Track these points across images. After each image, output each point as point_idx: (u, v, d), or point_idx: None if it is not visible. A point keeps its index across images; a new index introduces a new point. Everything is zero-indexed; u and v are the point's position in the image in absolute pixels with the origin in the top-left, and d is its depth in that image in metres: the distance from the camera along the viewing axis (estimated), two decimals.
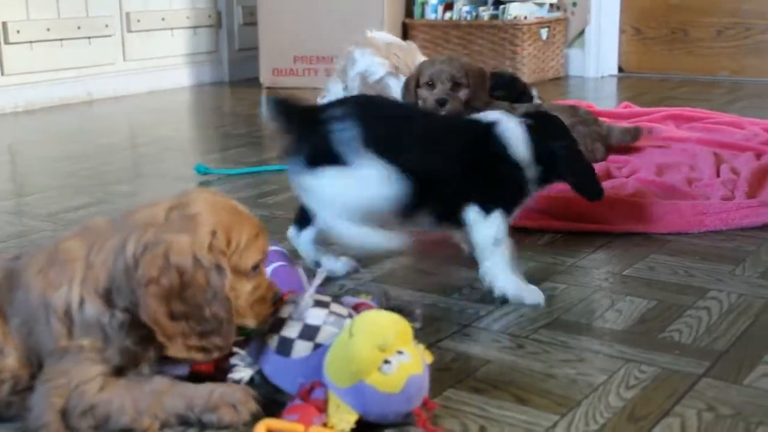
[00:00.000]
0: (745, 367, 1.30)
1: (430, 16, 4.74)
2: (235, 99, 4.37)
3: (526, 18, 4.58)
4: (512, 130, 1.63)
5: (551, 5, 4.82)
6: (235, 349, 1.20)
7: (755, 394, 1.21)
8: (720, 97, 4.08)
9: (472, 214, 1.58)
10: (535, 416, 1.16)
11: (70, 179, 2.60)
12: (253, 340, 1.21)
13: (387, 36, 3.20)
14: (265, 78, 4.62)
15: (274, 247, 1.64)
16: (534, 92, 2.86)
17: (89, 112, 4.00)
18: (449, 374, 1.28)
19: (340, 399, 1.11)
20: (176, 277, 1.11)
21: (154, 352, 1.17)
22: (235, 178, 2.56)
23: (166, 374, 1.17)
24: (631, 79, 4.75)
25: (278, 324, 1.19)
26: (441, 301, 1.57)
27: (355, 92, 2.94)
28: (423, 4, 4.78)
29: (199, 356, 1.14)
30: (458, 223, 1.60)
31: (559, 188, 2.14)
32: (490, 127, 1.63)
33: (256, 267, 1.19)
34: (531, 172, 1.62)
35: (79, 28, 4.16)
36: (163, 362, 1.18)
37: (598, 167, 2.09)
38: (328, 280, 1.59)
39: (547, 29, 4.71)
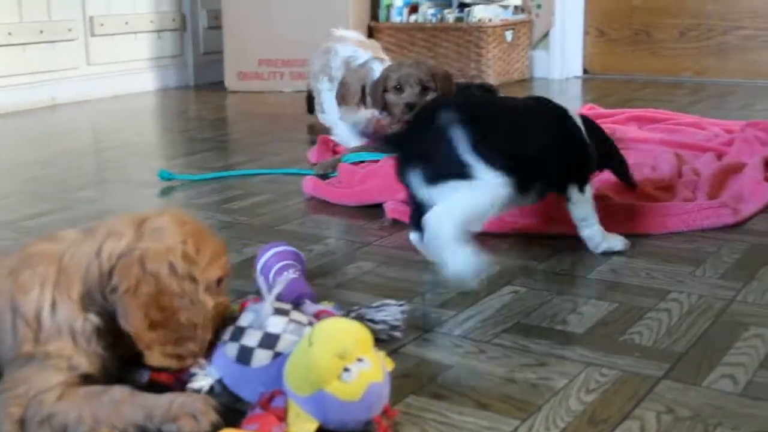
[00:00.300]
0: (705, 369, 1.31)
1: (396, 18, 4.75)
2: (201, 103, 4.35)
3: (490, 20, 4.60)
4: (577, 118, 1.84)
5: (516, 7, 4.84)
6: (195, 360, 1.19)
7: (714, 396, 1.22)
8: (683, 98, 4.12)
9: (573, 192, 1.79)
10: (495, 422, 1.16)
11: (31, 185, 2.58)
12: (214, 348, 1.20)
13: (356, 33, 3.19)
14: (231, 82, 4.60)
15: (285, 247, 1.63)
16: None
17: (53, 117, 3.97)
18: (410, 381, 1.28)
19: (300, 407, 1.10)
20: (152, 285, 1.11)
21: (119, 360, 1.17)
22: (199, 183, 2.55)
23: (126, 383, 1.17)
24: (595, 81, 4.78)
25: (238, 332, 1.19)
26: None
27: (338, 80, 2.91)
28: (388, 7, 4.79)
29: (174, 363, 1.14)
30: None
31: None
32: (566, 115, 1.83)
33: (220, 282, 1.20)
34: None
35: (41, 32, 4.13)
36: (125, 370, 1.18)
37: None
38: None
39: (511, 31, 4.73)
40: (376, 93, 2.64)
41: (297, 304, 1.25)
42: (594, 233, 1.83)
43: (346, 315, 1.36)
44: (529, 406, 1.20)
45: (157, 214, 1.20)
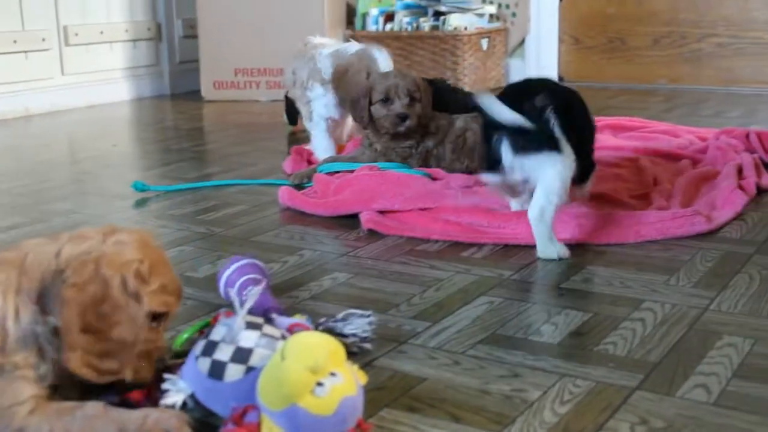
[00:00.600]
0: (678, 378, 1.31)
1: (371, 27, 4.75)
2: (177, 112, 4.33)
3: (466, 29, 4.61)
4: None
5: (491, 16, 4.86)
6: (166, 375, 1.19)
7: (687, 406, 1.23)
8: (657, 105, 4.14)
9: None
10: None
11: (4, 197, 2.56)
12: (186, 363, 1.20)
13: (334, 41, 3.17)
14: (207, 91, 4.59)
15: (248, 260, 1.62)
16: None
17: (26, 128, 3.94)
18: (384, 393, 1.27)
19: (273, 422, 1.09)
20: (100, 288, 1.11)
21: None
22: (173, 194, 2.54)
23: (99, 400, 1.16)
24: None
25: (210, 347, 1.18)
26: (377, 318, 1.56)
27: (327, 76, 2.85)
28: (364, 16, 4.79)
29: (91, 375, 1.13)
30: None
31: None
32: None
33: (157, 318, 1.19)
34: None
35: (15, 42, 4.10)
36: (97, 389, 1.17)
37: None
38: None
39: (487, 39, 4.74)
40: (359, 106, 2.60)
41: (268, 318, 1.24)
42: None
43: (315, 328, 1.36)
44: (504, 418, 1.20)
45: (125, 230, 1.21)
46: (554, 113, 1.86)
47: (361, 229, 2.11)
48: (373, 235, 2.08)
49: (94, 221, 2.27)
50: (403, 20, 4.71)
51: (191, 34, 4.85)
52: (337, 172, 2.55)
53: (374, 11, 4.77)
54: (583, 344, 1.44)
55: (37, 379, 1.13)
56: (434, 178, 2.47)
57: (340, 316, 1.41)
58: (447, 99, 2.79)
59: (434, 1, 4.71)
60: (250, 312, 1.22)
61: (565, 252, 1.88)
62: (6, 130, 3.86)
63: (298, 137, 3.44)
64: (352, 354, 1.35)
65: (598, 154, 2.63)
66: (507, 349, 1.43)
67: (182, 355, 1.24)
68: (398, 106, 2.53)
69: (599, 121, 3.20)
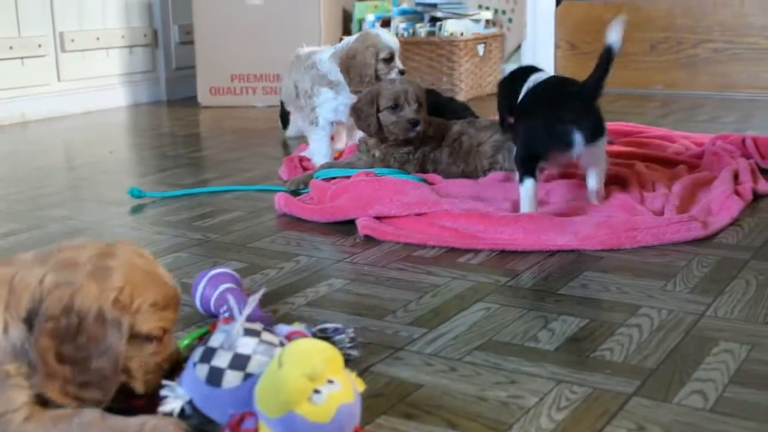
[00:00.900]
0: (675, 385, 1.31)
1: None
2: (173, 119, 4.33)
3: (462, 34, 4.61)
4: None
5: (487, 21, 4.86)
6: (165, 381, 1.19)
7: (684, 412, 1.22)
8: (654, 111, 4.15)
9: None
10: None
11: (0, 204, 2.56)
12: (184, 370, 1.20)
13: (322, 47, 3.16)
14: (203, 97, 4.59)
15: (223, 270, 1.62)
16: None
17: (23, 134, 3.94)
18: (381, 400, 1.27)
19: (271, 429, 1.09)
20: (75, 321, 1.11)
21: None
22: (169, 200, 2.54)
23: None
24: None
25: (209, 353, 1.18)
26: (374, 324, 1.57)
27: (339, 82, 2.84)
28: (360, 21, 4.79)
29: (73, 405, 1.13)
30: None
31: (498, 205, 2.16)
32: None
33: (152, 338, 1.19)
34: None
35: (11, 48, 4.10)
36: None
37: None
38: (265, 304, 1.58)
39: (483, 45, 4.74)
40: (365, 114, 2.58)
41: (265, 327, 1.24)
42: None
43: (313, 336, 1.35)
44: (500, 425, 1.20)
45: (116, 249, 1.20)
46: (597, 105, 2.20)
47: (357, 235, 2.11)
48: (369, 241, 2.08)
49: (90, 228, 2.27)
50: (399, 26, 4.71)
51: (187, 40, 4.86)
52: (334, 178, 2.55)
53: (370, 17, 4.78)
54: (580, 350, 1.44)
55: (29, 387, 1.12)
56: (430, 184, 2.47)
57: (316, 329, 1.40)
58: (438, 103, 2.82)
59: (430, 7, 4.71)
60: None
61: None
62: (2, 137, 3.86)
63: (289, 144, 3.43)
64: (347, 361, 1.35)
65: None
66: (503, 356, 1.42)
67: (182, 361, 1.24)
68: (409, 111, 2.53)
69: None
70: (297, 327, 1.35)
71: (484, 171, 2.57)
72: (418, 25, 4.70)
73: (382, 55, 2.78)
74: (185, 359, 1.22)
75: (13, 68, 4.13)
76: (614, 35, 2.21)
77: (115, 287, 1.14)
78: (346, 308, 1.65)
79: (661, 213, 2.18)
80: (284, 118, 3.60)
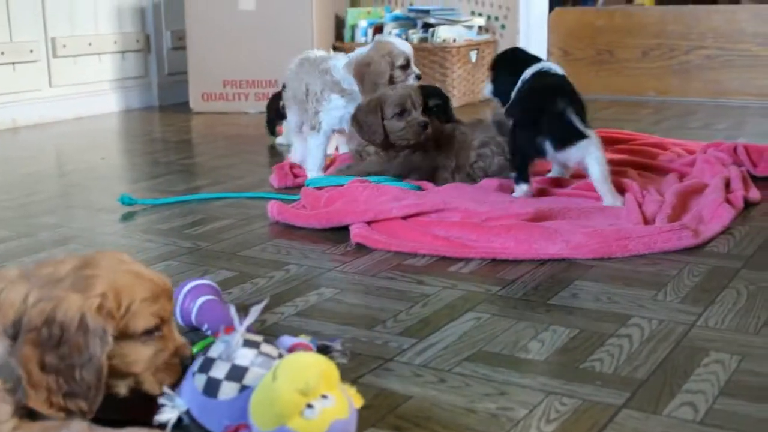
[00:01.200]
0: (665, 396, 1.30)
1: (360, 39, 4.75)
2: (165, 125, 4.32)
3: (455, 41, 4.61)
4: None
5: (480, 28, 4.86)
6: (165, 389, 1.18)
7: (674, 424, 1.22)
8: (647, 117, 4.15)
9: None
10: None
11: None
12: (185, 380, 1.19)
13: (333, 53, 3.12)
14: (195, 103, 4.58)
15: (202, 281, 1.62)
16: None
17: (14, 140, 3.93)
18: (370, 412, 1.27)
19: None
20: (57, 332, 1.10)
21: None
22: (160, 207, 2.53)
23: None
24: None
25: (207, 364, 1.18)
26: (363, 334, 1.56)
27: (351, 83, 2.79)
28: (353, 28, 4.79)
29: (59, 415, 1.12)
30: None
31: (490, 216, 2.16)
32: None
33: (150, 332, 1.18)
34: None
35: (2, 53, 4.09)
36: None
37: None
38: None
39: (476, 52, 4.74)
40: (369, 123, 2.57)
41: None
42: None
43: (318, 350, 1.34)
44: None
45: (95, 258, 1.19)
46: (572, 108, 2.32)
47: (349, 243, 2.11)
48: (360, 249, 2.07)
49: (80, 236, 2.26)
50: (392, 32, 4.70)
51: (180, 45, 4.85)
52: (324, 187, 2.55)
53: (363, 23, 4.77)
54: (570, 361, 1.44)
55: (15, 401, 1.12)
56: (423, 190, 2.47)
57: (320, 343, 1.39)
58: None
59: (423, 14, 4.71)
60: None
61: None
62: None
63: (281, 151, 3.42)
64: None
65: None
66: (493, 367, 1.42)
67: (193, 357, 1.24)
68: (417, 114, 2.56)
69: None
70: (302, 339, 1.34)
71: (471, 165, 2.58)
72: (410, 32, 4.69)
73: (399, 62, 2.77)
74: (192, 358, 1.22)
75: (4, 74, 4.12)
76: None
77: (98, 294, 1.14)
78: (336, 318, 1.65)
79: (653, 219, 2.17)
80: (272, 124, 3.60)
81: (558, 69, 2.50)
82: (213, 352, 1.18)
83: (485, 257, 1.98)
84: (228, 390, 1.14)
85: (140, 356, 1.18)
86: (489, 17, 4.96)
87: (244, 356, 1.17)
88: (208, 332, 1.50)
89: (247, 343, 1.18)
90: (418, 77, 2.79)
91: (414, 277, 1.87)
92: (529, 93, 2.42)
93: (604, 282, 1.82)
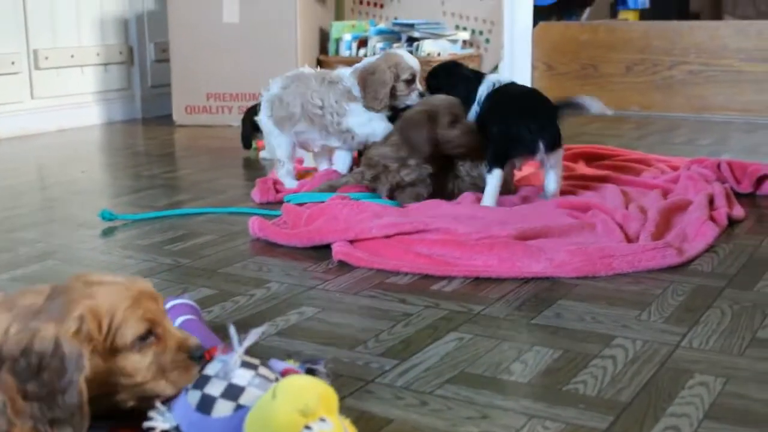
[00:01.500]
0: (649, 420, 1.29)
1: (345, 53, 4.73)
2: (148, 138, 4.29)
3: (439, 54, 4.60)
4: None
5: (464, 42, 4.86)
6: (158, 403, 1.16)
7: None
8: (630, 132, 4.15)
9: None
10: None
11: None
12: (178, 396, 1.17)
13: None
14: (179, 115, 4.56)
15: (182, 300, 1.60)
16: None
17: None
18: None
19: None
20: (35, 361, 1.10)
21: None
22: (141, 223, 2.50)
23: None
24: None
25: (203, 381, 1.16)
26: (345, 355, 1.54)
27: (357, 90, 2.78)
28: (337, 41, 4.77)
29: None
30: None
31: (469, 233, 2.14)
32: None
33: (143, 338, 1.17)
34: None
35: None
36: None
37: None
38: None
39: None
40: (424, 137, 2.52)
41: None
42: None
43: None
44: None
45: (69, 284, 1.19)
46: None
47: (331, 261, 2.09)
48: (342, 267, 2.05)
49: (59, 252, 2.23)
50: (376, 46, 4.69)
51: (163, 58, 4.82)
52: (305, 203, 2.53)
53: (347, 36, 4.76)
54: (554, 383, 1.42)
55: (7, 422, 1.11)
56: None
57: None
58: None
59: (408, 27, 4.70)
60: None
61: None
62: None
63: (260, 165, 3.40)
64: None
65: (568, 184, 2.64)
66: (476, 389, 1.40)
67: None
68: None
69: (572, 149, 3.20)
70: (291, 365, 1.32)
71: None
72: (395, 45, 4.68)
73: (404, 75, 2.76)
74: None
75: None
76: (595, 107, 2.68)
77: (75, 318, 1.13)
78: (317, 338, 1.63)
79: (636, 237, 2.17)
80: (246, 138, 3.60)
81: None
82: (209, 370, 1.16)
83: (468, 275, 1.96)
84: (223, 408, 1.12)
85: (140, 365, 1.17)
86: (473, 31, 4.95)
87: (242, 376, 1.15)
88: None
89: (245, 364, 1.17)
90: (421, 95, 2.76)
91: (396, 296, 1.85)
92: (511, 98, 2.58)
93: (588, 301, 1.81)
